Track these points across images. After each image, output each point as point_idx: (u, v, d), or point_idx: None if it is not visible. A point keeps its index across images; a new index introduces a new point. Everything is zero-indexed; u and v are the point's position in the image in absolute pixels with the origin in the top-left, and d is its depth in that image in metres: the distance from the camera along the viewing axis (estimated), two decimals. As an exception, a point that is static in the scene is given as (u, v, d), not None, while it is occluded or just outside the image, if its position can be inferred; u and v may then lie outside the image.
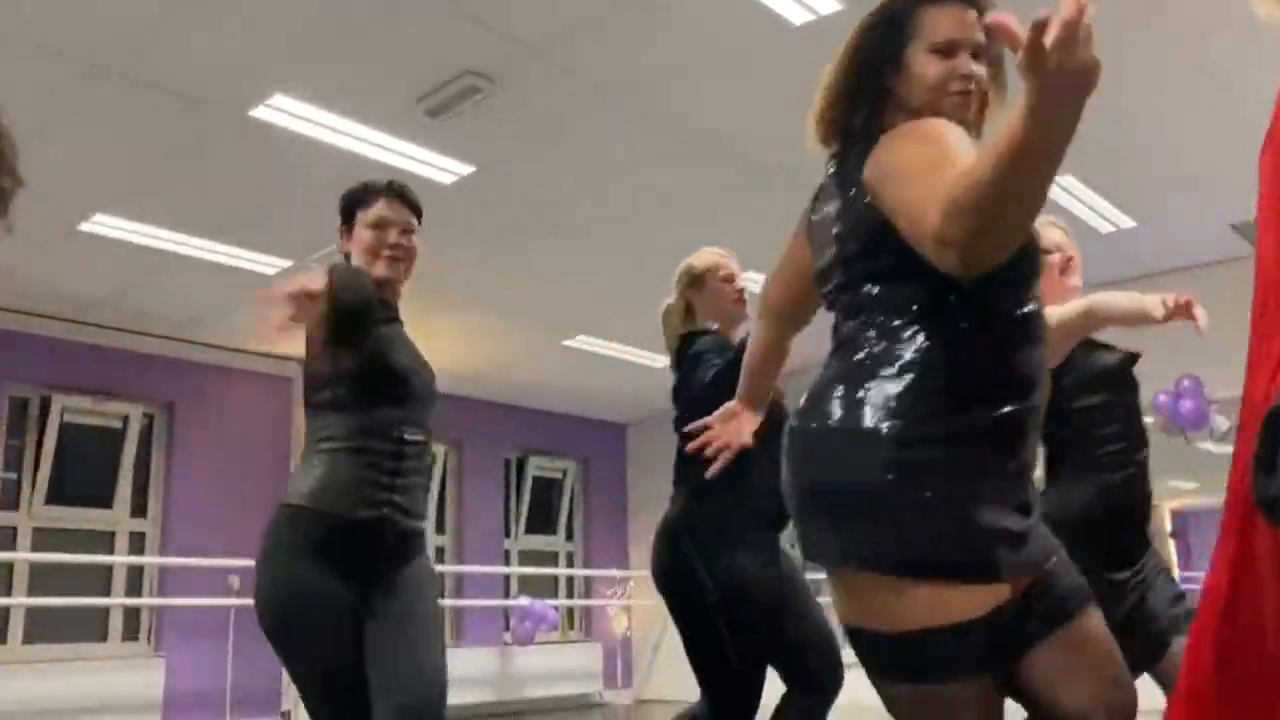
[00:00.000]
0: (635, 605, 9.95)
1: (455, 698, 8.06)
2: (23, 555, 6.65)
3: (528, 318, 7.67)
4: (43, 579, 6.70)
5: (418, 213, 2.52)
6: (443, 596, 8.91)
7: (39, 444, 6.90)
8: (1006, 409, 1.48)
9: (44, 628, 6.72)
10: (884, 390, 1.48)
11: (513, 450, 9.80)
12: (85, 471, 7.09)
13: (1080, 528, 2.47)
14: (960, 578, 1.41)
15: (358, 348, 2.31)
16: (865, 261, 1.57)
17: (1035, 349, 1.54)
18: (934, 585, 1.40)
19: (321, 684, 2.22)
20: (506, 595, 9.20)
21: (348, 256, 2.49)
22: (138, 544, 7.31)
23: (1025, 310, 1.53)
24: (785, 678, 2.85)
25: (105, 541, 7.15)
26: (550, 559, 10.07)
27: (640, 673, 10.04)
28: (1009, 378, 1.50)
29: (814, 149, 1.78)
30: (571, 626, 10.03)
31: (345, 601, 2.24)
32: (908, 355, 1.49)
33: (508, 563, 9.53)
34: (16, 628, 6.66)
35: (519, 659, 8.81)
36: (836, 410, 1.51)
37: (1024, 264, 1.51)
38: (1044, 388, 1.56)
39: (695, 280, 3.12)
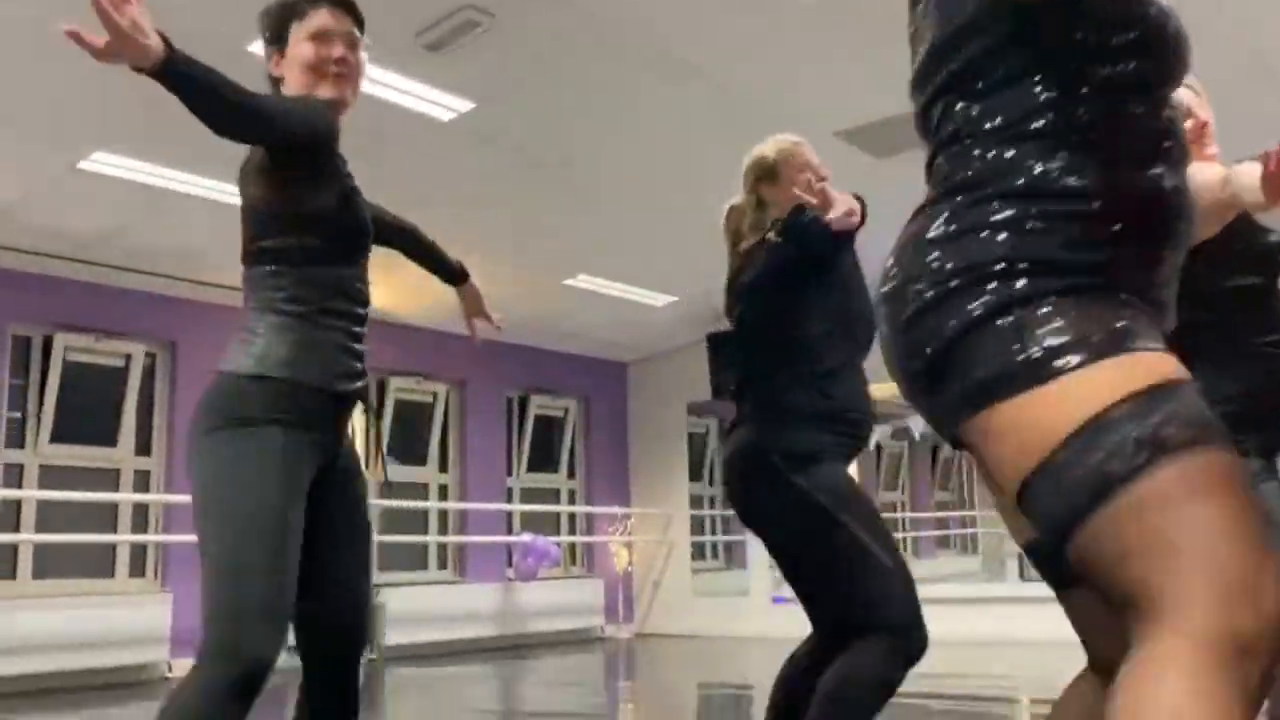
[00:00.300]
0: (636, 541, 10.07)
1: (459, 632, 8.19)
2: (30, 493, 6.71)
3: (528, 256, 7.65)
4: (50, 516, 6.77)
5: (361, 24, 2.20)
6: (446, 533, 9.01)
7: (43, 383, 6.93)
8: (1142, 239, 1.23)
9: (52, 564, 6.80)
10: (990, 221, 1.22)
11: (514, 389, 9.83)
12: (89, 410, 7.13)
13: (1230, 418, 2.27)
14: (1109, 354, 1.14)
15: (327, 188, 2.04)
16: (972, 54, 1.28)
17: (1175, 171, 1.26)
18: (1081, 372, 1.13)
19: (271, 545, 1.88)
20: (509, 532, 9.30)
21: (277, 83, 2.15)
22: (142, 482, 7.37)
23: (1163, 122, 1.27)
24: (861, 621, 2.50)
25: (110, 479, 7.21)
26: (552, 496, 10.16)
27: (641, 608, 10.17)
28: (1146, 198, 1.24)
29: None
30: (573, 562, 10.14)
31: (309, 476, 1.99)
32: (1021, 178, 1.23)
33: (510, 500, 9.61)
34: (25, 563, 6.74)
35: (522, 594, 8.92)
36: (933, 254, 1.25)
37: (1161, 60, 1.27)
38: (1189, 223, 1.29)
39: (769, 171, 2.77)
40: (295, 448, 1.95)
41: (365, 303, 2.13)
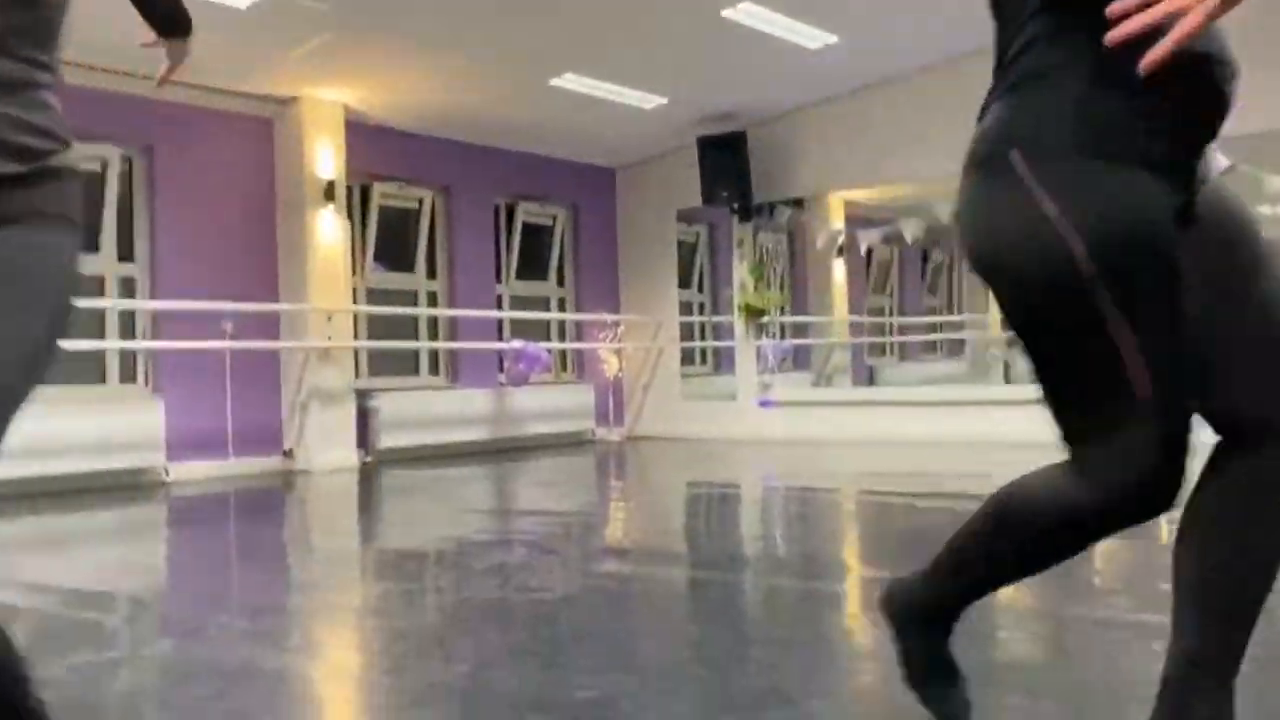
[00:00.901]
0: (626, 348, 10.16)
1: (452, 435, 8.33)
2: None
3: (512, 55, 7.39)
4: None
5: None
6: (436, 339, 9.01)
7: (18, 188, 6.78)
8: None
9: (43, 370, 6.82)
10: None
11: (501, 196, 9.69)
12: (68, 216, 7.00)
13: None
14: None
15: None
16: None
17: None
18: None
19: None
20: (500, 339, 9.34)
21: None
22: (127, 288, 7.32)
23: None
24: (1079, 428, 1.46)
25: (95, 286, 7.14)
26: (542, 304, 10.17)
27: (631, 412, 10.34)
28: None
29: None
30: (564, 368, 10.25)
31: None
32: None
33: (500, 307, 9.62)
34: (16, 370, 6.76)
35: (513, 399, 9.05)
36: None
37: None
38: None
39: None
40: None
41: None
